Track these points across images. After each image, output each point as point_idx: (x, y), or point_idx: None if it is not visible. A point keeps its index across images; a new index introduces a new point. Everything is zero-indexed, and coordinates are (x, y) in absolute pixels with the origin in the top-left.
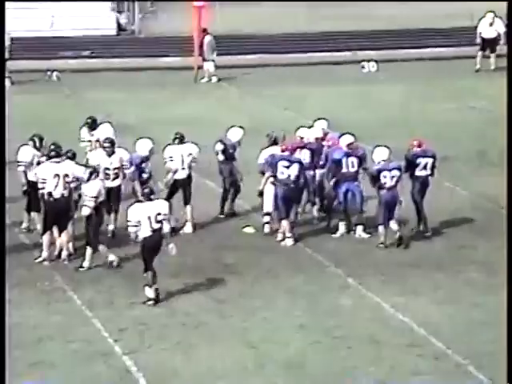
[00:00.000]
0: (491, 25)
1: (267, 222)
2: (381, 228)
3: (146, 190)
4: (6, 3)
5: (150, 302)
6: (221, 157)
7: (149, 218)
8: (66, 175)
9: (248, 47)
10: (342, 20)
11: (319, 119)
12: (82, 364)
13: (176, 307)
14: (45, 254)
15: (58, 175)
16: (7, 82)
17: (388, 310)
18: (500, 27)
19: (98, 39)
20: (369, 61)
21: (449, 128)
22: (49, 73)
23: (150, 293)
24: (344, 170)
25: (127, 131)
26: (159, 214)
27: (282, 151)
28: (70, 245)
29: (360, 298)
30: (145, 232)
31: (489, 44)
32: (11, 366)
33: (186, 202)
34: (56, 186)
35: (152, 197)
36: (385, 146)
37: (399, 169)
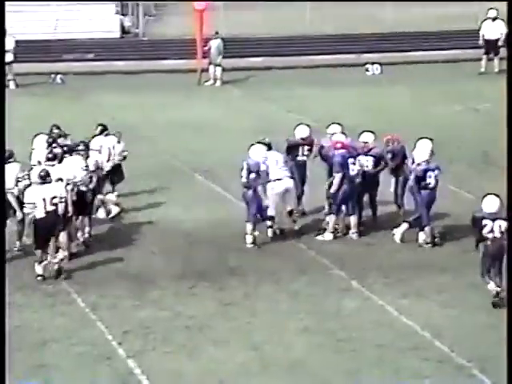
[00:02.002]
0: (494, 20)
1: (270, 226)
2: (427, 229)
3: (42, 173)
4: (11, 6)
5: (39, 278)
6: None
7: (44, 199)
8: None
9: (252, 50)
10: (346, 22)
11: (333, 123)
12: (85, 367)
13: (180, 310)
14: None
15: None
16: (12, 85)
17: (392, 313)
18: (502, 28)
19: (102, 42)
20: (373, 63)
21: (453, 130)
22: (53, 76)
23: (38, 269)
24: None
25: (131, 134)
26: (55, 196)
27: (337, 149)
28: (72, 245)
29: (364, 301)
30: (39, 213)
31: (492, 46)
32: (15, 368)
33: (113, 189)
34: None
35: (48, 179)
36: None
37: (439, 168)
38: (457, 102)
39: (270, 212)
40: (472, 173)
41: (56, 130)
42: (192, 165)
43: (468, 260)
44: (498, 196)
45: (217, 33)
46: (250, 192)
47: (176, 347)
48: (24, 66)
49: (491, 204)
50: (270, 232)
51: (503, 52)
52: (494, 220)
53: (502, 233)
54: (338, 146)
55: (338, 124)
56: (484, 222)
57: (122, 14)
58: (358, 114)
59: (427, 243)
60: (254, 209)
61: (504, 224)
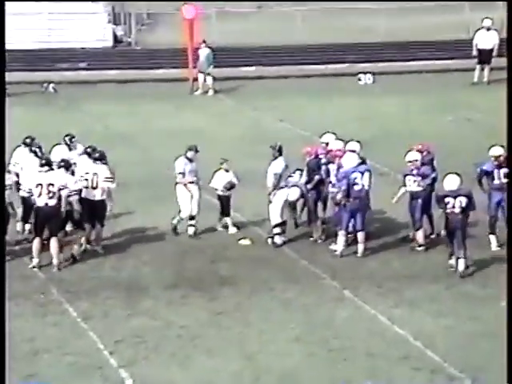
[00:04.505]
0: (488, 30)
1: (278, 233)
2: (421, 232)
3: None
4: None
5: None
6: None
7: None
8: (51, 184)
9: (244, 59)
10: (338, 32)
11: (327, 132)
12: (77, 376)
13: (172, 319)
14: (35, 260)
15: (41, 184)
16: None
17: (384, 322)
18: (496, 38)
19: (95, 51)
20: (365, 73)
21: (445, 140)
22: (45, 85)
23: None
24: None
25: (123, 143)
26: None
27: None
28: (62, 254)
29: (356, 310)
30: None
31: (486, 56)
32: (6, 377)
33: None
34: (40, 195)
35: None
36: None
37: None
38: (449, 111)
39: (276, 219)
40: (464, 183)
41: (27, 140)
42: None
43: None
44: (458, 174)
45: (204, 42)
46: (357, 201)
47: (168, 357)
48: (16, 74)
49: (452, 182)
50: (278, 239)
51: (494, 62)
52: (455, 197)
53: (462, 208)
54: (339, 154)
55: (333, 133)
56: (446, 199)
57: (115, 24)
58: (351, 124)
59: (420, 245)
60: (364, 216)
61: (464, 200)
